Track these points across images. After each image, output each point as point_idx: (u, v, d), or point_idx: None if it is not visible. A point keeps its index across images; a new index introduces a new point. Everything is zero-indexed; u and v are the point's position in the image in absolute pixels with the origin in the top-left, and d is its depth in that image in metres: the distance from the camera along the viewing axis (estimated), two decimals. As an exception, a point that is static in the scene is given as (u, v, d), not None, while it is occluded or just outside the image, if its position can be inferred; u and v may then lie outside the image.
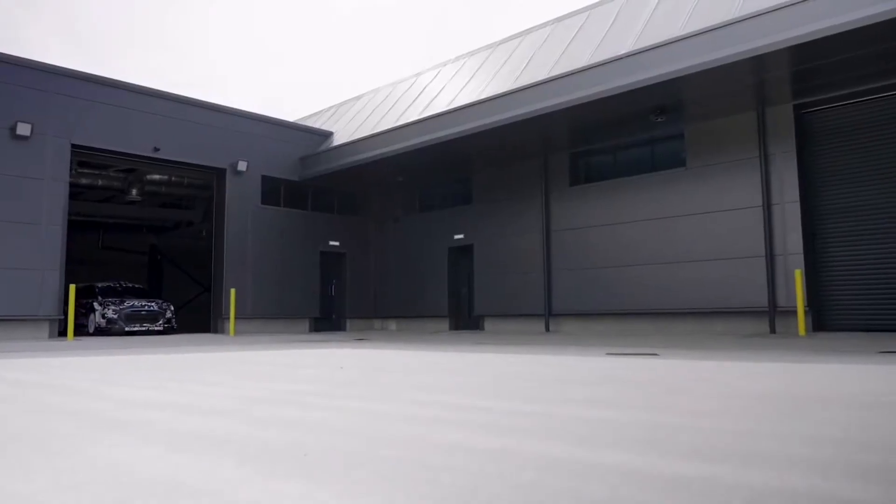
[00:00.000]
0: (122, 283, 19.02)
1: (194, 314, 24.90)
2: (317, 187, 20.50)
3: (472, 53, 18.77)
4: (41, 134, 15.16)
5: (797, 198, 12.70)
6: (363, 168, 18.42)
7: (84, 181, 19.60)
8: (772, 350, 8.16)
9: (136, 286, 19.24)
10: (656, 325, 14.61)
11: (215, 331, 17.99)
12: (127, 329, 15.77)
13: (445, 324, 19.43)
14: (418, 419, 3.07)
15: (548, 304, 16.56)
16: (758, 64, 11.09)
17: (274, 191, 19.63)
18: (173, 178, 20.88)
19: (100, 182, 20.25)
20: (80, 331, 16.86)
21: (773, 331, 12.64)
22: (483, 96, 15.18)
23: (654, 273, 14.60)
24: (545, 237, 16.82)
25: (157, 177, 20.66)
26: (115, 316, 15.92)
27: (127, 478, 1.99)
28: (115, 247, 27.05)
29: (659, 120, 13.54)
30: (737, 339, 11.34)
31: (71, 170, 16.14)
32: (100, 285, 17.90)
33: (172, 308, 17.24)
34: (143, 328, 16.11)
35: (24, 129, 14.77)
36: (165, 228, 26.14)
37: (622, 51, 12.69)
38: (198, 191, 21.42)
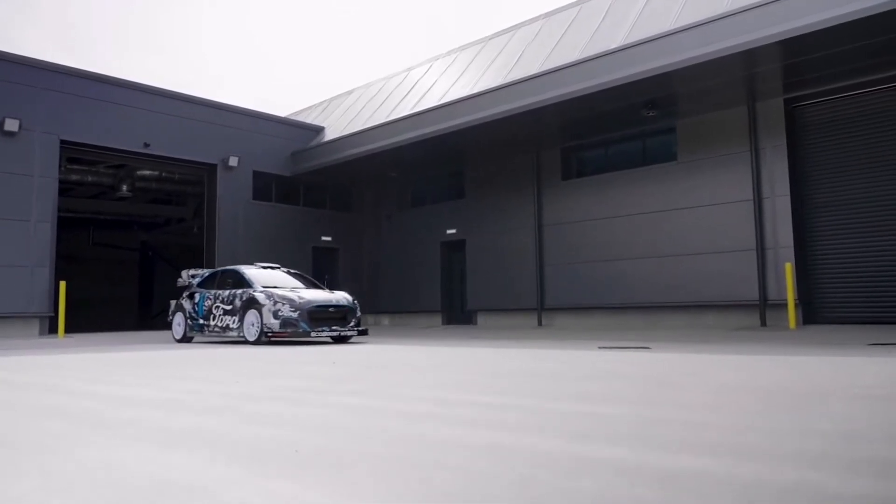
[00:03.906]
0: (273, 266, 12.76)
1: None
2: (309, 182, 20.43)
3: (463, 48, 18.73)
4: (29, 130, 15.03)
5: (787, 191, 12.77)
6: (355, 163, 18.36)
7: (74, 177, 19.46)
8: (762, 343, 8.21)
9: (291, 270, 12.99)
10: (648, 319, 14.67)
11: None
12: (313, 334, 10.61)
13: (438, 319, 19.44)
14: (411, 415, 3.07)
15: (540, 299, 16.59)
16: (748, 58, 11.12)
17: (265, 186, 19.56)
18: (164, 174, 20.75)
19: (89, 178, 20.11)
20: (201, 334, 12.00)
21: (763, 324, 12.72)
22: (475, 91, 15.15)
23: (646, 267, 14.65)
24: (537, 232, 16.84)
25: (147, 173, 20.54)
26: (295, 314, 10.49)
27: (117, 478, 1.98)
28: (106, 243, 26.91)
29: (650, 114, 13.56)
30: (728, 332, 11.40)
31: (60, 166, 16.02)
32: (247, 271, 11.86)
33: (357, 303, 11.85)
34: (334, 332, 10.82)
35: (11, 124, 14.63)
36: (156, 225, 26.01)
37: (613, 45, 12.69)
38: (189, 187, 21.31)
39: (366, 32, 73.79)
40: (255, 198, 19.18)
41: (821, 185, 12.83)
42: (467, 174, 18.91)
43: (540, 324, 16.56)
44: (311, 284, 12.21)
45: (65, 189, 18.96)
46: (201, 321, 11.85)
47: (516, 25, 17.31)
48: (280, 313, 10.42)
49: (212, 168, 18.49)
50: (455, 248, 19.24)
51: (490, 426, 2.73)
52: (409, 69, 20.23)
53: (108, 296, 27.45)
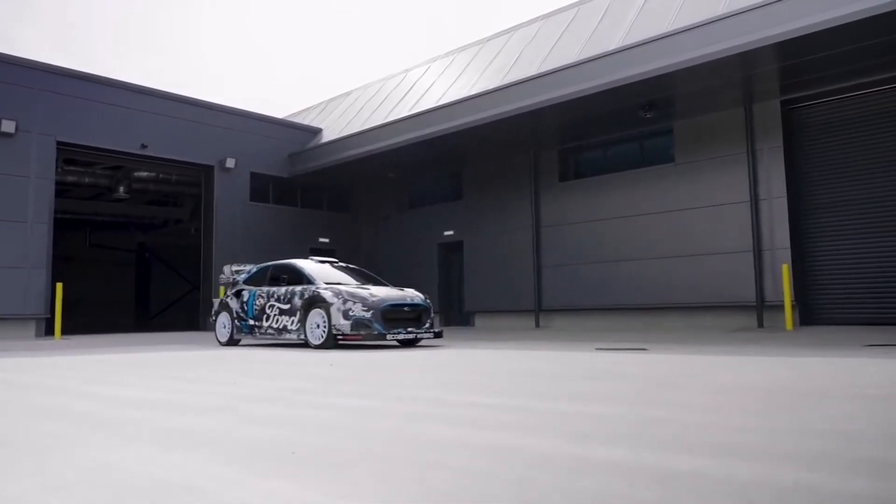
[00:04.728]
0: (331, 259, 11.28)
1: (183, 312, 24.79)
2: (306, 184, 20.43)
3: (461, 49, 18.74)
4: (26, 131, 15.01)
5: (784, 193, 12.80)
6: (353, 164, 18.36)
7: (70, 179, 19.42)
8: (759, 345, 8.22)
9: (349, 265, 11.51)
10: (645, 321, 14.69)
11: (204, 329, 17.90)
12: (388, 336, 9.17)
13: (436, 320, 19.41)
14: (408, 416, 3.07)
15: (538, 300, 16.60)
16: (745, 60, 11.15)
17: (263, 188, 19.55)
18: (161, 176, 20.73)
19: (86, 179, 20.07)
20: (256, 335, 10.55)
21: (760, 325, 12.73)
22: (473, 92, 15.16)
23: (643, 268, 14.66)
24: (535, 233, 16.85)
25: (144, 174, 20.51)
26: (369, 314, 9.12)
27: (116, 478, 1.98)
28: (103, 245, 26.87)
29: (647, 116, 13.58)
30: (725, 333, 11.42)
31: (57, 167, 15.99)
32: (305, 266, 10.46)
33: (430, 302, 10.32)
34: (410, 334, 9.37)
35: (8, 126, 14.61)
36: (154, 226, 25.98)
37: (611, 47, 12.71)
38: (186, 188, 21.28)
39: (365, 32, 73.89)
40: (252, 199, 19.17)
41: (817, 187, 12.86)
42: (465, 175, 18.92)
43: (538, 325, 16.57)
44: (372, 280, 10.83)
45: (62, 190, 18.93)
46: (251, 322, 10.59)
47: (515, 27, 17.34)
48: (351, 313, 9.06)
49: (209, 169, 18.47)
50: (453, 250, 19.24)
51: (488, 427, 2.73)
52: (408, 70, 20.24)
53: (105, 297, 27.43)
